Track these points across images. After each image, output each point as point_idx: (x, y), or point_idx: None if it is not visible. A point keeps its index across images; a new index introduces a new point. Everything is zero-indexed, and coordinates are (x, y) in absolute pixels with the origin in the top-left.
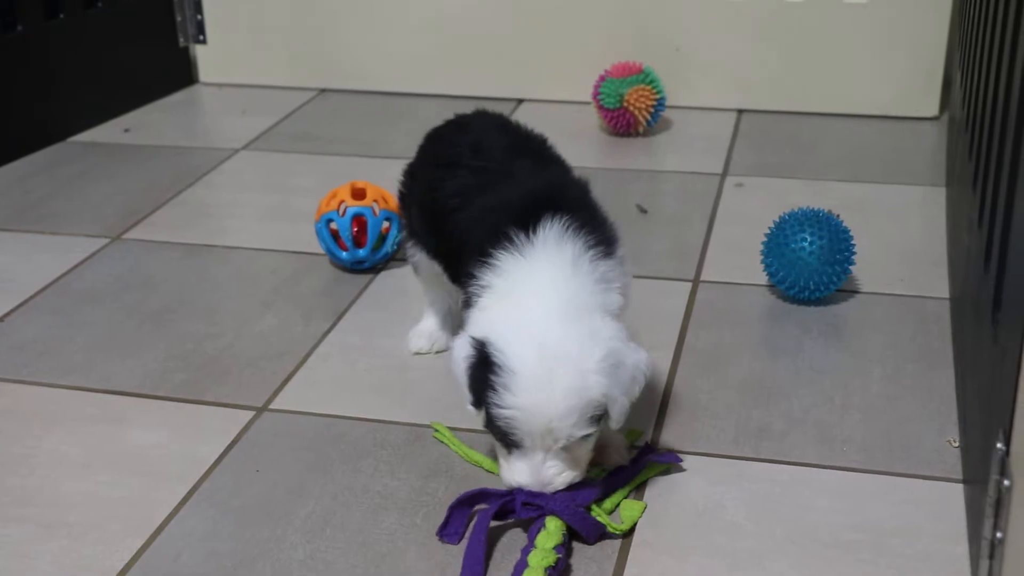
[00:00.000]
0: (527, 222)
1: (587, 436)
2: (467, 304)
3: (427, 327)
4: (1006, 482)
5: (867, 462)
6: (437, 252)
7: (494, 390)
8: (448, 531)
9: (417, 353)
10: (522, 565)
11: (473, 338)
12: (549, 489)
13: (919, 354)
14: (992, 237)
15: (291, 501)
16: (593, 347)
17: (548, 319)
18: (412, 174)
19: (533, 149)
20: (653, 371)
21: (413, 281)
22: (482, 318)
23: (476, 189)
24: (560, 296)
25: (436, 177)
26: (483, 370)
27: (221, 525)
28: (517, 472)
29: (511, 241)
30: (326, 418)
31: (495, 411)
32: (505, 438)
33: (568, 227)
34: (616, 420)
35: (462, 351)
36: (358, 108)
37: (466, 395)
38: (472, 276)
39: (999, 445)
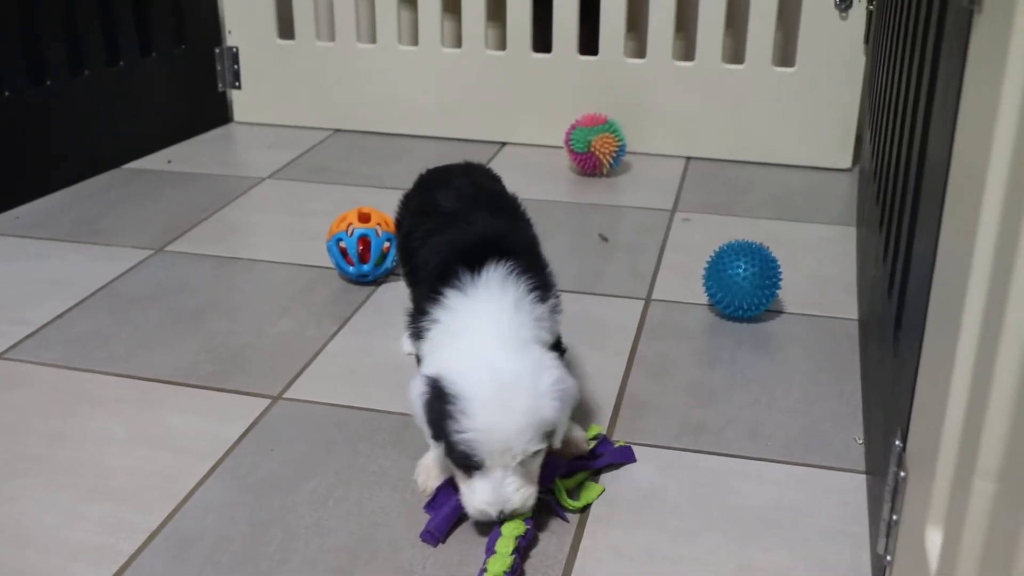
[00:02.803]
0: (473, 264)
1: (539, 452)
2: (416, 336)
3: None
4: (902, 473)
5: (787, 455)
6: (407, 280)
7: (452, 418)
8: (434, 506)
9: (409, 354)
10: (496, 535)
11: (427, 376)
12: (508, 508)
13: (832, 365)
14: (895, 269)
15: (299, 477)
16: (543, 372)
17: (497, 350)
18: (403, 210)
19: (499, 206)
20: (609, 374)
21: (407, 293)
22: (432, 360)
23: (437, 233)
24: (504, 331)
25: (413, 223)
26: (439, 402)
27: (240, 495)
28: (479, 493)
29: (459, 279)
30: (331, 407)
31: (455, 437)
32: (466, 461)
33: (511, 271)
34: (557, 440)
35: (417, 390)
36: (366, 146)
37: (425, 430)
38: (423, 311)
39: (897, 442)
